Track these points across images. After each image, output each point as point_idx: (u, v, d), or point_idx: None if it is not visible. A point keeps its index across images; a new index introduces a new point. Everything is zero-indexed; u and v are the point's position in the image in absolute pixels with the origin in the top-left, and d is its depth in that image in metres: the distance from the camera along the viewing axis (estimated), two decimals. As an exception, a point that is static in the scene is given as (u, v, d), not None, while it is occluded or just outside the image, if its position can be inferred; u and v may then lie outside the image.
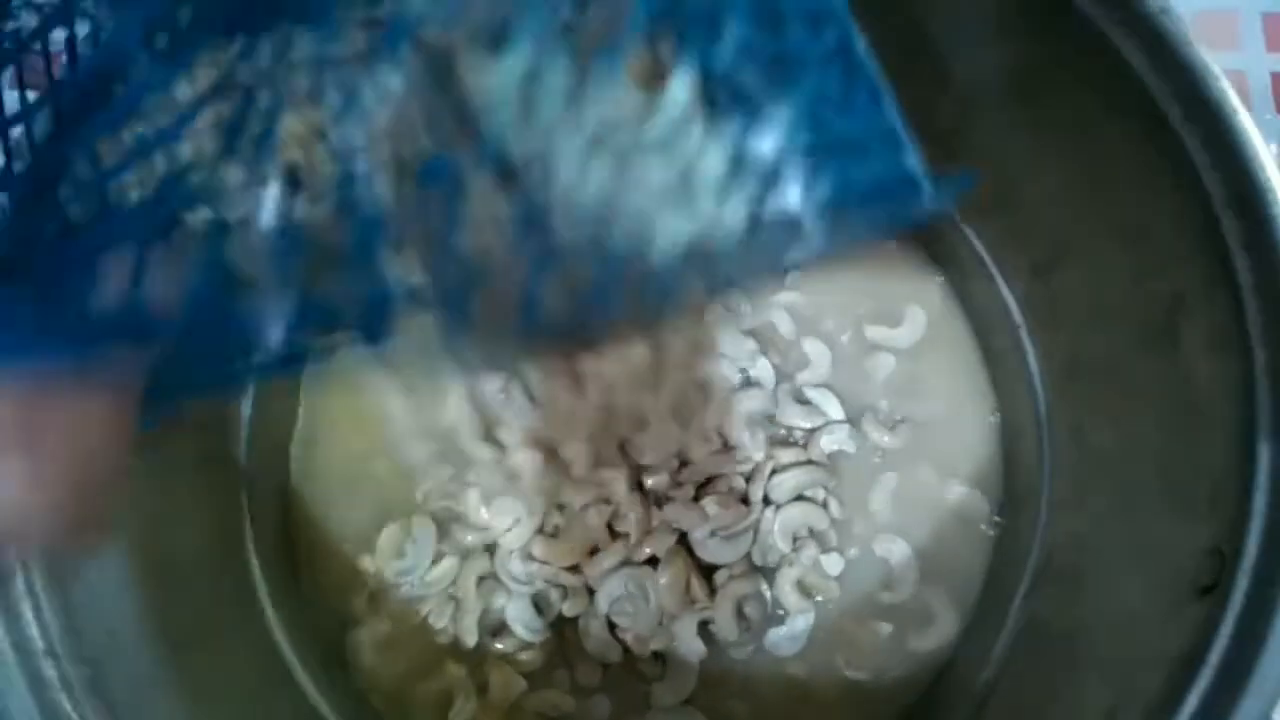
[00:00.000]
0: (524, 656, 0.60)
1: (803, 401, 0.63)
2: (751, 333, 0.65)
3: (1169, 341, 0.48)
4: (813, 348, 0.64)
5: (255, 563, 0.60)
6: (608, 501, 0.59)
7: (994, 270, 0.62)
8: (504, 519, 0.60)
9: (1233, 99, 0.41)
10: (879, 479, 0.62)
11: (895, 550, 0.60)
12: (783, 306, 0.65)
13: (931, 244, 0.66)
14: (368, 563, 0.61)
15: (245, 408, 0.61)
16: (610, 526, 0.59)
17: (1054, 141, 0.52)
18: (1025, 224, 0.58)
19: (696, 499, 0.60)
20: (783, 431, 0.63)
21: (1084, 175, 0.52)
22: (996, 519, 0.63)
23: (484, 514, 0.60)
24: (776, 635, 0.60)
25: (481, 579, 0.61)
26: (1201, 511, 0.44)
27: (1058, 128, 0.51)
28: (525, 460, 0.60)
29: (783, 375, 0.63)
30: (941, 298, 0.66)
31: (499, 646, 0.60)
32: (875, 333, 0.65)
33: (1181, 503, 0.46)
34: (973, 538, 0.62)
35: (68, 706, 0.40)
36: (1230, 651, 0.38)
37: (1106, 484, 0.54)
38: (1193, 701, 0.39)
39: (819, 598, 0.60)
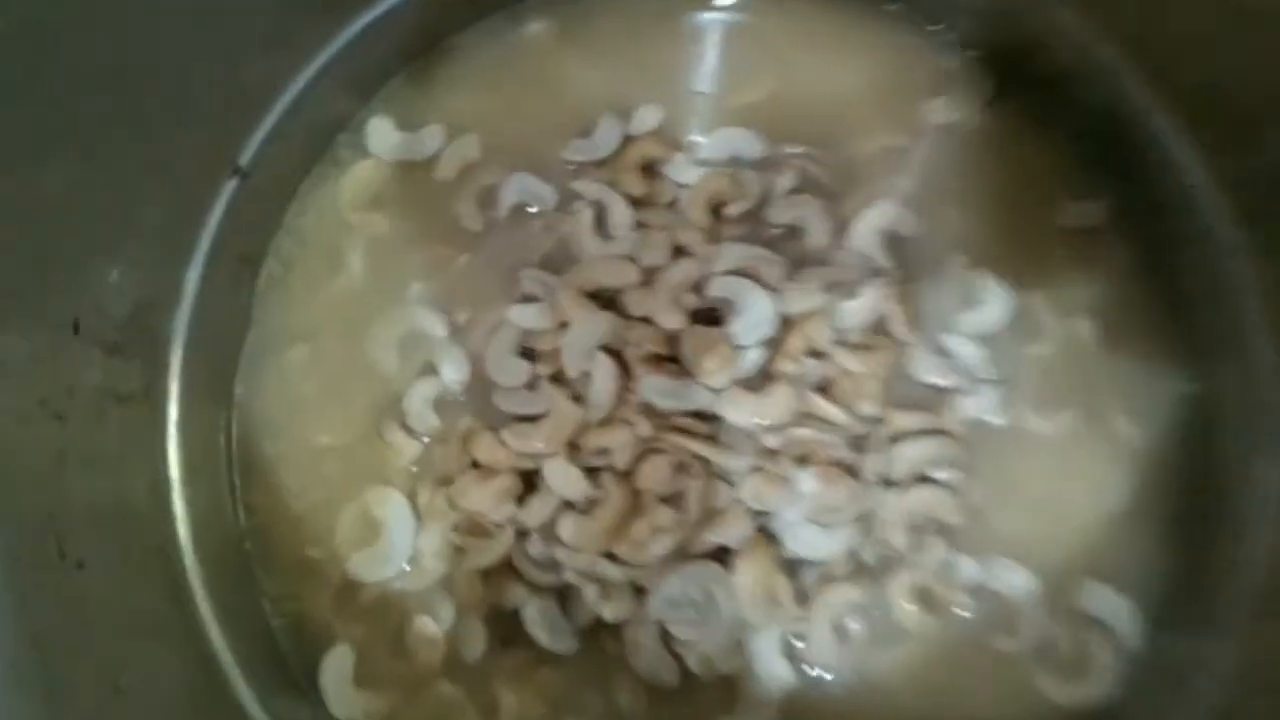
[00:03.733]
0: (547, 673, 0.48)
1: (942, 353, 0.49)
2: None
3: None
4: (985, 282, 0.50)
5: (192, 570, 0.46)
6: (661, 452, 0.46)
7: (1199, 180, 0.46)
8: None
9: None
10: (1029, 463, 0.49)
11: (1046, 562, 0.48)
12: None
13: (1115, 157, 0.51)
14: (328, 552, 0.50)
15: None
16: (668, 501, 0.47)
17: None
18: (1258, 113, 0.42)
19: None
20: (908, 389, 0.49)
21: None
22: (1189, 526, 0.48)
23: (497, 456, 0.48)
24: (887, 661, 0.48)
25: (488, 570, 0.48)
26: None
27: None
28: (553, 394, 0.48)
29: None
30: (1128, 227, 0.51)
31: (513, 659, 0.48)
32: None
33: None
34: (1153, 552, 0.48)
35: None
36: None
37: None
38: None
39: (947, 613, 0.48)
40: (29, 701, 0.34)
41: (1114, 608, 0.47)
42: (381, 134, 0.54)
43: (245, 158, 0.49)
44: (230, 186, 0.49)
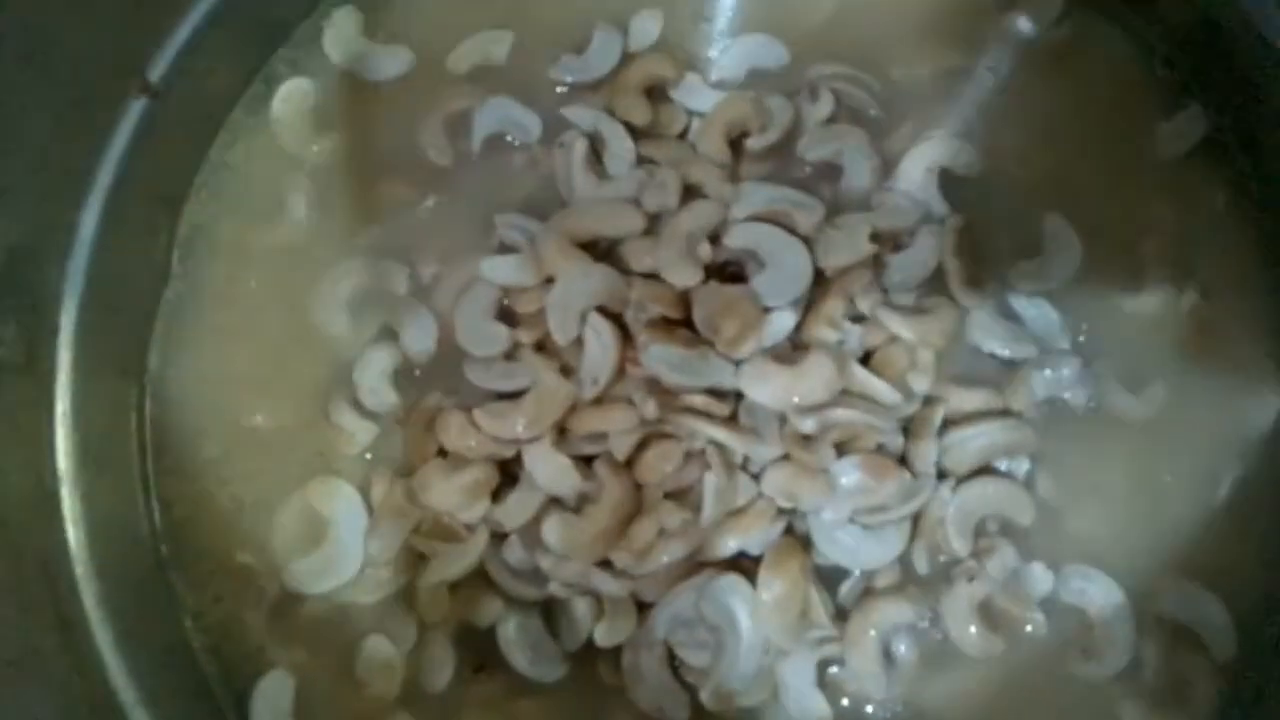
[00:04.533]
0: (525, 707, 0.43)
1: (1010, 316, 0.44)
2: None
3: None
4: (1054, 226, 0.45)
5: (85, 584, 0.40)
6: (669, 437, 0.41)
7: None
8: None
9: None
10: (1113, 451, 0.44)
11: (1132, 570, 0.43)
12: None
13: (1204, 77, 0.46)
14: (263, 558, 0.45)
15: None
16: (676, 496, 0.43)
17: None
18: None
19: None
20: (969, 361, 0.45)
21: None
22: None
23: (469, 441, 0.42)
24: (943, 690, 0.43)
25: (457, 581, 0.43)
26: None
27: None
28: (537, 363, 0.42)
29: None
30: (1222, 166, 0.47)
31: (486, 689, 0.43)
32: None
33: None
34: (1254, 558, 0.43)
35: None
36: None
37: None
38: None
39: (1015, 631, 0.43)
40: None
41: (1210, 617, 0.42)
42: (343, 34, 0.48)
43: (157, 70, 0.43)
44: (138, 107, 0.42)
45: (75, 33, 0.38)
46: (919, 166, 0.46)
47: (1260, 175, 0.46)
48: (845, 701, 0.43)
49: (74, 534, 0.41)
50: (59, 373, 0.41)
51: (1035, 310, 0.45)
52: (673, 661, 0.42)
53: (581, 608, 0.43)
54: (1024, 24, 0.48)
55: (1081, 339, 0.45)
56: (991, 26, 0.48)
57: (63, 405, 0.42)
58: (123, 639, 0.40)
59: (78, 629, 0.39)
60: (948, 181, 0.46)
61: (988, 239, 0.45)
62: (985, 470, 0.43)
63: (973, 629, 0.42)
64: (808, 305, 0.44)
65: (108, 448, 0.44)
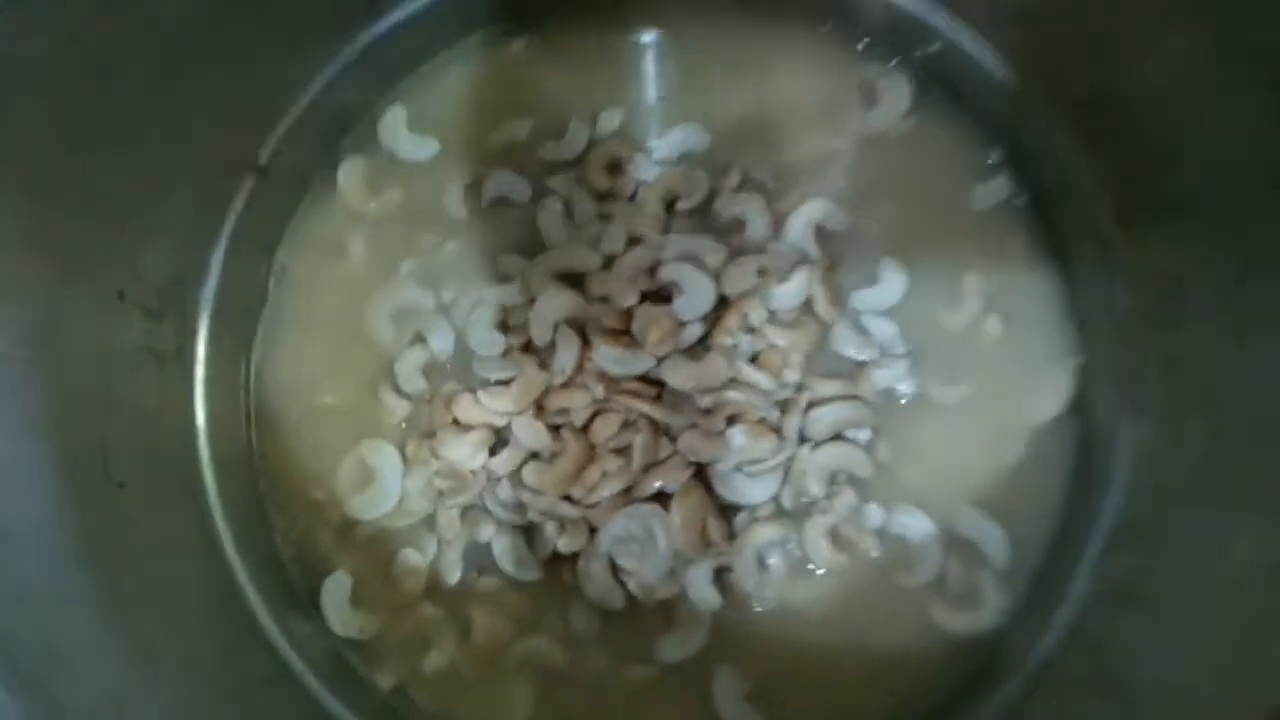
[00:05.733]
0: (513, 597, 0.53)
1: (861, 330, 0.55)
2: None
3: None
4: (888, 264, 0.56)
5: (215, 502, 0.52)
6: (613, 411, 0.52)
7: (1083, 182, 0.53)
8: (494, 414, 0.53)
9: None
10: (933, 429, 0.55)
11: (944, 516, 0.53)
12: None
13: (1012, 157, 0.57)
14: (330, 494, 0.55)
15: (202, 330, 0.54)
16: (617, 452, 0.52)
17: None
18: (1130, 122, 0.49)
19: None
20: (831, 361, 0.55)
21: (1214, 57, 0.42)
22: (1066, 477, 0.54)
23: (474, 414, 0.53)
24: (802, 592, 0.53)
25: (466, 510, 0.54)
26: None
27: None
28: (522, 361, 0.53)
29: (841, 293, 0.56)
30: (1022, 222, 0.57)
31: (484, 585, 0.54)
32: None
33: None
34: (1036, 502, 0.54)
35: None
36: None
37: (1206, 418, 0.46)
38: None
39: (855, 552, 0.53)
40: (76, 604, 0.41)
41: (990, 535, 0.52)
42: (390, 126, 0.59)
43: (265, 154, 0.55)
44: (250, 180, 0.55)
45: (209, 128, 0.51)
46: (801, 223, 0.56)
47: (1049, 229, 0.56)
48: (732, 595, 0.51)
49: (208, 472, 0.52)
50: (197, 361, 0.53)
51: (878, 326, 0.55)
52: (613, 568, 0.51)
53: (550, 529, 0.52)
54: (880, 118, 0.58)
55: (911, 347, 0.55)
56: (857, 120, 0.58)
57: (200, 382, 0.53)
58: (239, 544, 0.51)
59: (213, 533, 0.51)
60: (820, 234, 0.55)
61: (846, 274, 0.55)
62: (837, 437, 0.53)
63: (825, 549, 0.52)
64: (714, 320, 0.53)
65: (227, 414, 0.54)
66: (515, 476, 0.53)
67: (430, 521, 0.54)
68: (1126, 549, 0.49)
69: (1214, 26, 0.42)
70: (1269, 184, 0.41)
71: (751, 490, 0.52)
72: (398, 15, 0.57)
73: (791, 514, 0.53)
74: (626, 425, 0.53)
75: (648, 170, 0.58)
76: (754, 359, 0.54)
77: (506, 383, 0.54)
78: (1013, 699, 0.49)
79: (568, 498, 0.52)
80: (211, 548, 0.51)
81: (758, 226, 0.57)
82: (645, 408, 0.52)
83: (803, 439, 0.53)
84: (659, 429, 0.53)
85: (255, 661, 0.51)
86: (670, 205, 0.57)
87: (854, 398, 0.54)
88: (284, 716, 0.49)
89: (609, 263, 0.55)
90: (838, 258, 0.56)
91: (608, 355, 0.53)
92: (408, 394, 0.56)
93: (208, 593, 0.50)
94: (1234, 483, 0.44)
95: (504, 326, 0.55)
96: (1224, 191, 0.44)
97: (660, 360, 0.53)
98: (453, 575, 0.54)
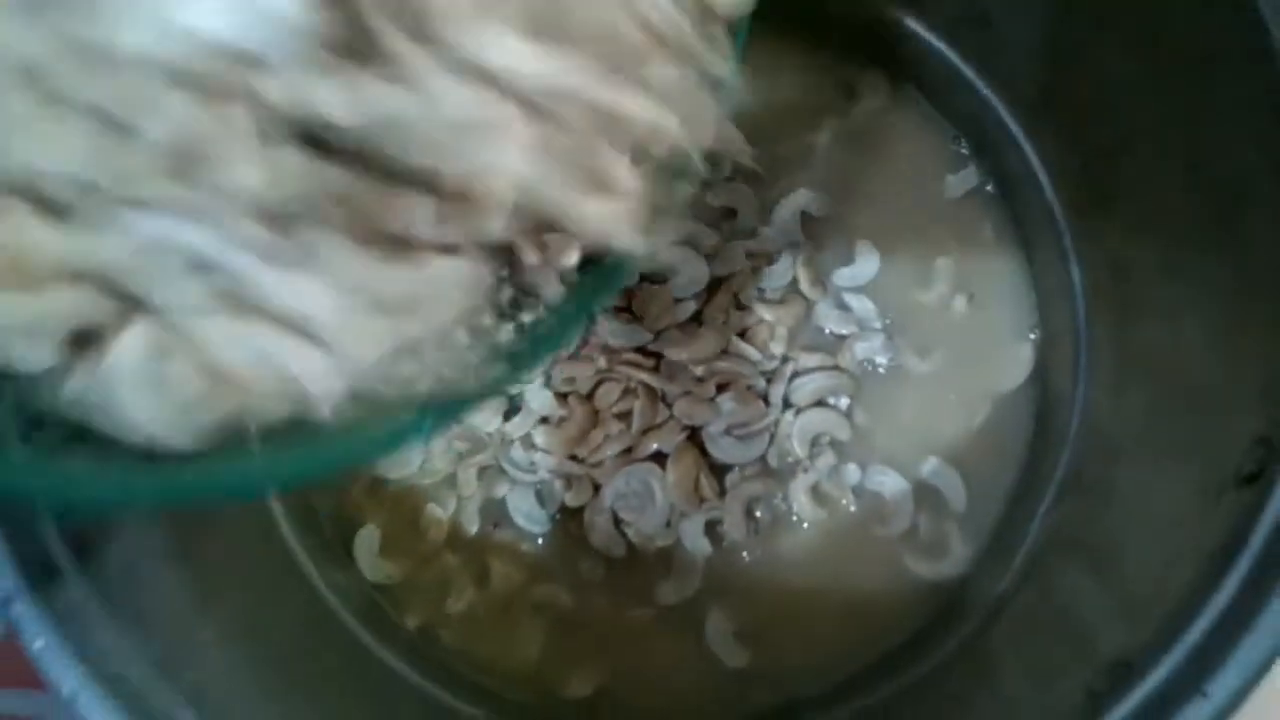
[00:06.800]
0: (525, 547, 0.58)
1: (841, 307, 0.59)
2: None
3: (1228, 233, 0.45)
4: (863, 246, 0.61)
5: None
6: (615, 380, 0.57)
7: (1040, 174, 0.58)
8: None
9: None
10: (906, 396, 0.59)
11: (915, 473, 0.58)
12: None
13: (979, 150, 0.62)
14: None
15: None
16: (619, 417, 0.58)
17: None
18: (1077, 119, 0.54)
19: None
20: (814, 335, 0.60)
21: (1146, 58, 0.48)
22: (1025, 439, 0.60)
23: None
24: (786, 542, 0.58)
25: (483, 469, 0.59)
26: (1250, 404, 0.41)
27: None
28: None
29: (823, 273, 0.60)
30: (989, 209, 0.62)
31: (500, 537, 0.58)
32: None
33: (1228, 396, 0.43)
34: (998, 461, 0.59)
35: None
36: (1272, 534, 0.35)
37: (1146, 385, 0.51)
38: (1230, 588, 0.36)
39: (835, 506, 0.58)
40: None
41: (949, 479, 0.57)
42: None
43: None
44: None
45: None
46: (788, 210, 0.60)
47: (1013, 216, 0.61)
48: (723, 545, 0.56)
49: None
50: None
51: (858, 303, 0.59)
52: (615, 520, 0.56)
53: (559, 485, 0.56)
54: (860, 113, 0.62)
55: (889, 321, 0.59)
56: (838, 116, 0.63)
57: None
58: (283, 506, 0.55)
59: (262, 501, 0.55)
60: (805, 220, 0.60)
61: (828, 257, 0.60)
62: (819, 403, 0.57)
63: (807, 504, 0.56)
64: (707, 298, 0.58)
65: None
66: (527, 439, 0.57)
67: (451, 480, 0.58)
68: (1075, 500, 0.54)
69: (1148, 29, 0.47)
70: (1192, 179, 0.46)
71: (740, 451, 0.57)
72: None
73: (777, 472, 0.57)
74: (627, 392, 0.57)
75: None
76: (743, 333, 0.58)
77: (520, 355, 0.59)
78: (973, 633, 0.54)
79: (574, 457, 0.56)
80: (260, 507, 0.56)
81: (748, 214, 0.61)
82: (644, 376, 0.57)
83: (787, 405, 0.58)
84: (656, 396, 0.57)
85: (299, 604, 0.55)
86: (670, 195, 0.62)
87: (835, 368, 0.59)
88: (329, 651, 0.55)
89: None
90: (821, 242, 0.61)
91: (610, 329, 0.58)
92: (432, 368, 0.61)
93: (256, 544, 0.55)
94: (1166, 441, 0.49)
95: (517, 304, 0.61)
96: (1157, 185, 0.49)
97: (658, 334, 0.57)
98: (471, 527, 0.57)
